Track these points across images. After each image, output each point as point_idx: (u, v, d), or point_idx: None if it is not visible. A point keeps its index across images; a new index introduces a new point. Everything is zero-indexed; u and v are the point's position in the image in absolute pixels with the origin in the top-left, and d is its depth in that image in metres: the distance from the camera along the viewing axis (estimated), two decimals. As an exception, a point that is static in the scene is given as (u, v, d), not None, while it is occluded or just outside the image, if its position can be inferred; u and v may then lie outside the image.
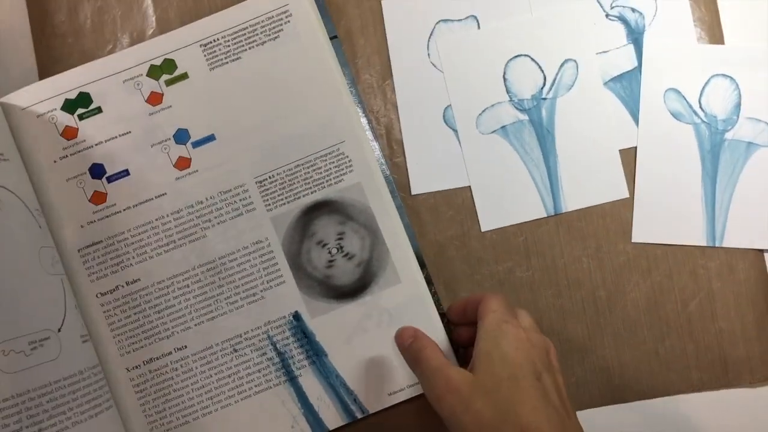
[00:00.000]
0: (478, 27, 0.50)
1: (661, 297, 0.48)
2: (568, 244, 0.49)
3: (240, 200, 0.46)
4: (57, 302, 0.41)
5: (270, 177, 0.46)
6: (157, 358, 0.45)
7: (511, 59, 0.50)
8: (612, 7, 0.50)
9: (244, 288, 0.46)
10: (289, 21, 0.47)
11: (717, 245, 0.48)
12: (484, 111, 0.50)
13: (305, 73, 0.46)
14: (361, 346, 0.46)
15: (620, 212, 0.49)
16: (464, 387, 0.36)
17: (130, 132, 0.46)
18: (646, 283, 0.48)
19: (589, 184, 0.49)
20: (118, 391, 0.44)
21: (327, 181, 0.46)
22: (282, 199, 0.46)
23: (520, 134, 0.49)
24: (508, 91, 0.49)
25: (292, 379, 0.45)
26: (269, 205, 0.46)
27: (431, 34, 0.50)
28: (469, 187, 0.49)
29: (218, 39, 0.47)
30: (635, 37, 0.49)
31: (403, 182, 0.49)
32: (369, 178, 0.46)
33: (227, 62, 0.46)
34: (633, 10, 0.50)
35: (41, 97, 0.46)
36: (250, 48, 0.46)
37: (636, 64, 0.49)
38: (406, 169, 0.49)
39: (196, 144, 0.46)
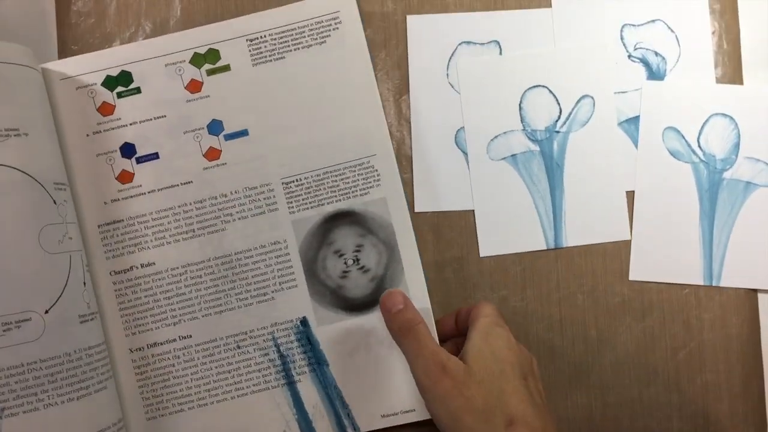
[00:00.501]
0: (500, 53, 0.50)
1: (652, 343, 0.48)
2: (565, 280, 0.49)
3: (264, 199, 0.46)
4: (52, 282, 0.40)
5: (297, 180, 0.46)
6: (161, 344, 0.45)
7: (528, 89, 0.50)
8: (635, 49, 0.50)
9: (256, 287, 0.46)
10: (338, 27, 0.47)
11: (714, 284, 0.48)
12: (496, 137, 0.50)
13: (347, 82, 0.47)
14: (363, 362, 0.46)
15: (620, 253, 0.49)
16: (459, 374, 0.38)
17: (165, 116, 0.46)
18: (638, 327, 0.48)
19: (592, 222, 0.49)
20: (119, 370, 0.45)
21: (353, 191, 0.46)
22: (306, 204, 0.46)
23: (529, 164, 0.49)
24: (522, 120, 0.49)
25: (291, 384, 0.45)
26: (292, 207, 0.46)
27: (452, 55, 0.50)
28: (473, 211, 0.49)
29: (265, 36, 0.46)
30: (655, 80, 0.49)
31: (407, 198, 0.49)
32: (394, 194, 0.46)
33: (271, 60, 0.46)
34: (656, 54, 0.49)
35: (84, 69, 0.46)
36: (295, 49, 0.47)
37: (653, 107, 0.50)
38: (412, 186, 0.49)
39: (229, 137, 0.46)
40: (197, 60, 0.46)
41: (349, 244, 0.46)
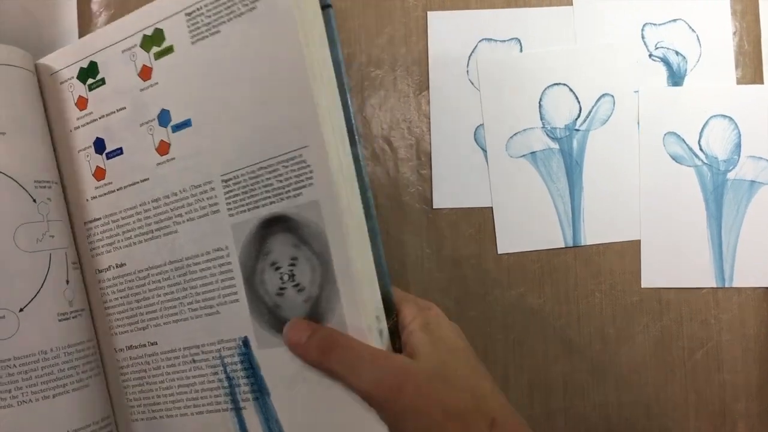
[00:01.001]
0: (521, 50, 0.50)
1: (669, 342, 0.48)
2: (583, 278, 0.49)
3: (207, 198, 0.40)
4: (28, 281, 0.40)
5: (235, 177, 0.39)
6: (135, 347, 0.43)
7: (549, 86, 0.50)
8: (656, 48, 0.50)
9: (204, 297, 0.41)
10: None
11: (726, 286, 0.48)
12: (515, 135, 0.50)
13: (276, 56, 0.38)
14: (303, 397, 0.38)
15: (639, 252, 0.49)
16: (420, 374, 0.33)
17: (124, 108, 0.42)
18: (655, 326, 0.48)
19: (610, 221, 0.49)
20: (108, 368, 0.44)
21: (286, 192, 0.38)
22: (243, 206, 0.39)
23: (548, 162, 0.49)
24: (541, 118, 0.49)
25: (238, 410, 0.41)
26: (231, 209, 0.40)
27: (473, 52, 0.50)
28: (491, 208, 0.49)
29: (201, 7, 0.39)
30: (675, 80, 0.49)
31: (426, 195, 0.49)
32: (330, 196, 0.37)
33: (207, 36, 0.39)
34: (677, 53, 0.49)
35: (65, 62, 0.43)
36: (228, 20, 0.39)
37: (673, 107, 0.50)
38: (431, 182, 0.49)
39: (175, 128, 0.41)
40: (146, 43, 0.41)
41: (285, 256, 0.38)
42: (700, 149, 0.49)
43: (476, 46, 0.50)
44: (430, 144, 0.50)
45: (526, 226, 0.49)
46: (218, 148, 0.40)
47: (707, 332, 0.48)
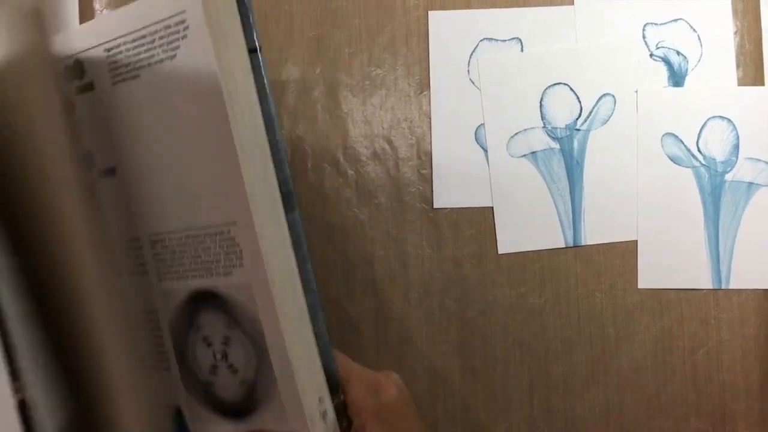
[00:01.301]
0: (522, 50, 0.50)
1: (669, 342, 0.48)
2: (583, 278, 0.49)
3: (136, 257, 0.36)
4: None
5: (161, 240, 0.35)
6: None
7: (549, 86, 0.50)
8: (657, 47, 0.50)
9: (152, 352, 0.38)
10: (186, 35, 0.32)
11: (723, 287, 0.48)
12: (516, 134, 0.50)
13: (197, 114, 0.32)
14: None
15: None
16: None
17: None
18: (656, 326, 0.48)
19: (611, 221, 0.49)
20: None
21: (216, 268, 0.34)
22: (172, 273, 0.35)
23: (549, 162, 0.49)
24: (542, 118, 0.49)
25: None
26: (160, 274, 0.35)
27: (473, 51, 0.50)
28: (492, 207, 0.49)
29: (120, 45, 0.34)
30: (676, 80, 0.49)
31: (426, 194, 0.49)
32: (263, 280, 0.32)
33: (127, 78, 0.34)
34: (678, 53, 0.49)
35: None
36: (149, 65, 0.33)
37: (673, 107, 0.50)
38: (432, 182, 0.49)
39: (100, 175, 0.36)
40: (68, 74, 0.36)
41: (218, 333, 0.34)
42: (698, 150, 0.49)
43: (477, 45, 0.50)
44: (431, 143, 0.49)
45: (527, 226, 0.49)
46: (145, 204, 0.35)
47: (707, 332, 0.48)
